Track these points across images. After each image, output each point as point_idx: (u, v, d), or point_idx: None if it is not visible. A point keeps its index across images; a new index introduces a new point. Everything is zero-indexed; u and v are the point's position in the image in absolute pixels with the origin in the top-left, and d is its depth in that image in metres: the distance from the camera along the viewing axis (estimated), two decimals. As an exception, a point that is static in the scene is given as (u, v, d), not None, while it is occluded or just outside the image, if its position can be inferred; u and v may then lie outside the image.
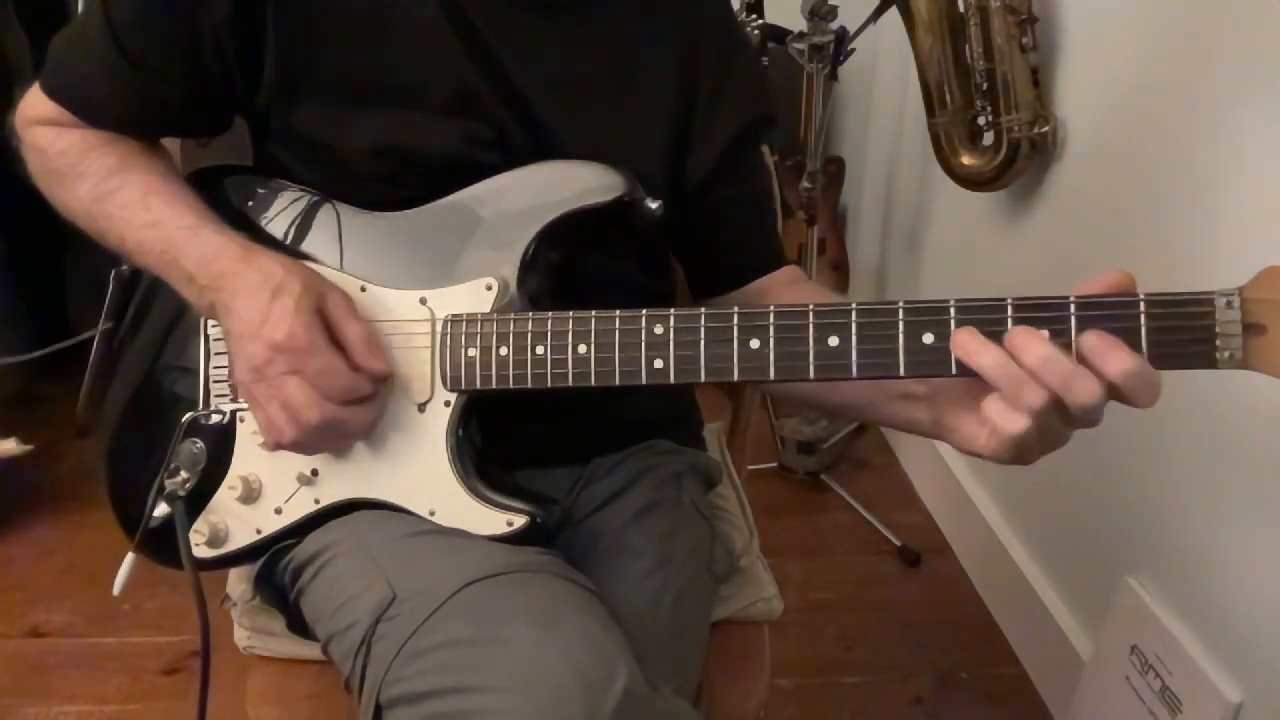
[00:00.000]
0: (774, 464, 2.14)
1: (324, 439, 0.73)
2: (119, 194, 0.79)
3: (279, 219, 0.82)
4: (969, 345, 0.60)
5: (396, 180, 0.79)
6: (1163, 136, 1.25)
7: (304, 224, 0.81)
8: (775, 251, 0.94)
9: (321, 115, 0.79)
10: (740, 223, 0.92)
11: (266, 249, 0.74)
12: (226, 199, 0.83)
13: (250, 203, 0.83)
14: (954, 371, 0.62)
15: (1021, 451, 0.62)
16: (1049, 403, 0.58)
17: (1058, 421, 0.60)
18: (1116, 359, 0.57)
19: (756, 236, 0.93)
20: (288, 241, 0.81)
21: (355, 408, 0.71)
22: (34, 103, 0.82)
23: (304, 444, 0.73)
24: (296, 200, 0.82)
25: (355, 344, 0.71)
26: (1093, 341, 0.58)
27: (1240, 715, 1.12)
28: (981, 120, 1.57)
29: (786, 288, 0.91)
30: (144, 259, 0.78)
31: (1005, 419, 0.60)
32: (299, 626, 0.85)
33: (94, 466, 0.88)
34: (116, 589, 0.80)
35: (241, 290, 0.71)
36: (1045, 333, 0.59)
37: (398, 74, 0.78)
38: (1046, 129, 1.49)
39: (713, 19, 0.88)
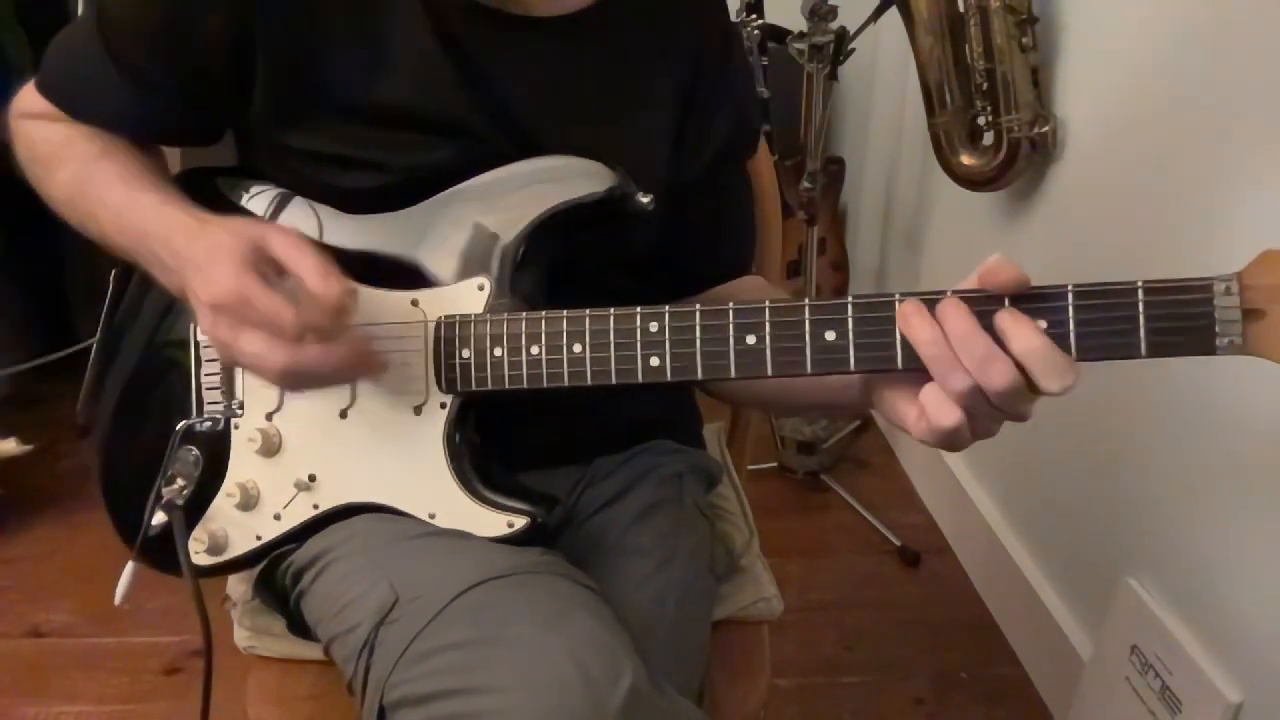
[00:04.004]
0: (774, 464, 2.14)
1: (310, 380, 0.69)
2: (96, 178, 0.78)
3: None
4: (911, 318, 0.60)
5: (388, 191, 0.78)
6: (1162, 136, 1.25)
7: (290, 225, 0.80)
8: (733, 264, 0.94)
9: (313, 133, 0.78)
10: (704, 235, 0.91)
11: (222, 218, 0.71)
12: (214, 199, 0.82)
13: (238, 204, 0.82)
14: None
15: (951, 440, 0.61)
16: (972, 388, 0.58)
17: (985, 409, 0.59)
18: (1020, 335, 0.57)
19: (716, 249, 0.93)
20: None
21: (321, 348, 0.66)
22: (27, 98, 0.83)
23: (300, 386, 0.71)
24: (283, 202, 0.81)
25: (308, 274, 0.66)
26: (1003, 318, 0.58)
27: (1240, 715, 1.12)
28: (981, 120, 1.57)
29: (738, 294, 0.91)
30: (121, 243, 0.77)
31: (939, 411, 0.59)
32: (300, 629, 0.84)
33: (92, 469, 0.88)
34: (118, 599, 0.79)
35: (191, 264, 0.68)
36: (969, 311, 0.58)
37: (391, 97, 0.77)
38: (1046, 129, 1.48)
39: (712, 23, 0.88)
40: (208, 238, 0.69)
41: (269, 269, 0.67)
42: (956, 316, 0.59)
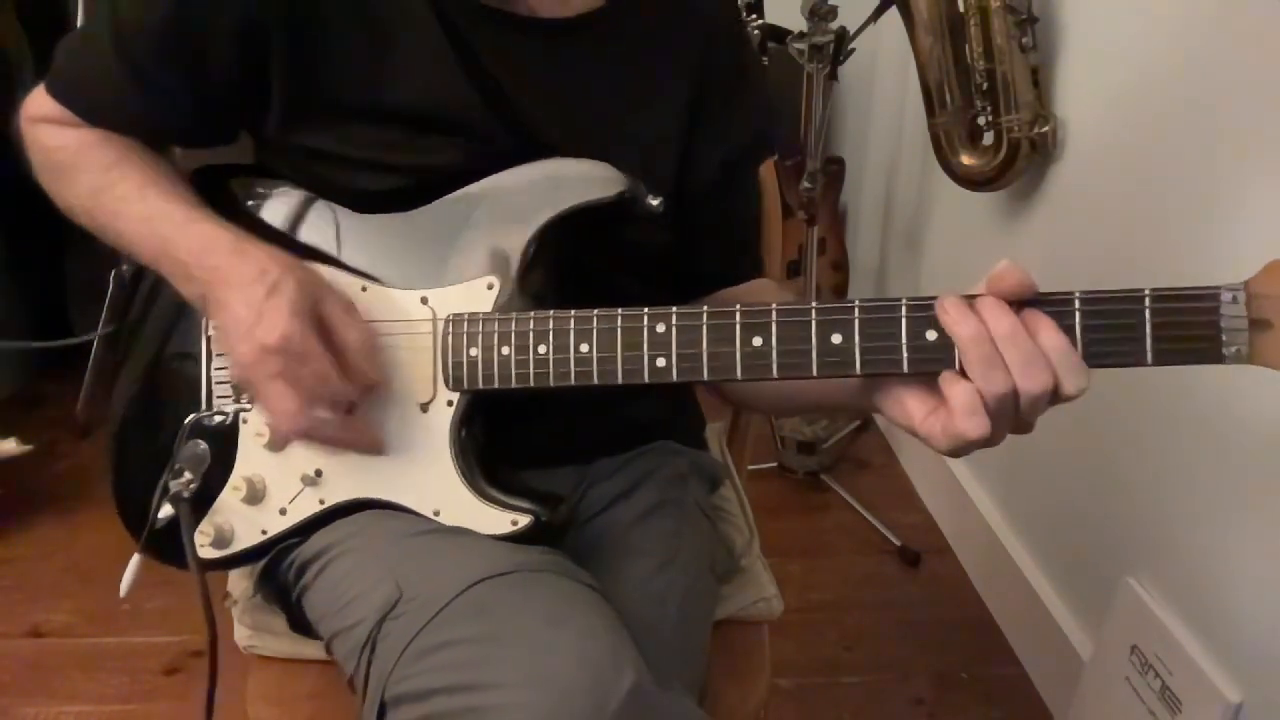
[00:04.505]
0: (774, 464, 2.15)
1: (314, 441, 0.74)
2: (117, 187, 0.79)
3: (280, 218, 0.82)
4: (953, 311, 0.60)
5: (399, 193, 0.79)
6: (1162, 136, 1.25)
7: (305, 224, 0.81)
8: (742, 268, 0.94)
9: (326, 135, 0.79)
10: (714, 238, 0.92)
11: (263, 243, 0.74)
12: (227, 197, 0.83)
13: (251, 201, 0.83)
14: (956, 367, 0.62)
15: (964, 448, 0.61)
16: (1010, 390, 0.58)
17: (1009, 415, 0.59)
18: (1045, 333, 0.58)
19: (726, 253, 0.94)
20: (288, 240, 0.81)
21: (341, 423, 0.72)
22: (38, 102, 0.83)
23: (301, 440, 0.74)
24: (298, 200, 0.82)
25: (352, 350, 0.71)
26: (1026, 317, 0.58)
27: (1240, 715, 1.12)
28: (981, 120, 1.58)
29: (745, 296, 0.91)
30: (141, 252, 0.78)
31: (969, 421, 0.59)
32: (300, 625, 0.85)
33: (98, 466, 0.88)
34: (123, 590, 0.80)
35: (235, 285, 0.70)
36: (1009, 309, 0.59)
37: (401, 97, 0.77)
38: (1046, 129, 1.49)
39: (724, 27, 0.89)
40: (255, 265, 0.71)
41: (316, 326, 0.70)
42: (999, 314, 0.59)
